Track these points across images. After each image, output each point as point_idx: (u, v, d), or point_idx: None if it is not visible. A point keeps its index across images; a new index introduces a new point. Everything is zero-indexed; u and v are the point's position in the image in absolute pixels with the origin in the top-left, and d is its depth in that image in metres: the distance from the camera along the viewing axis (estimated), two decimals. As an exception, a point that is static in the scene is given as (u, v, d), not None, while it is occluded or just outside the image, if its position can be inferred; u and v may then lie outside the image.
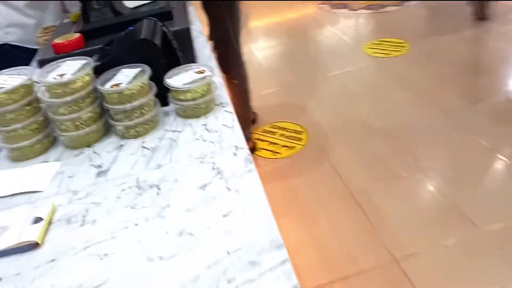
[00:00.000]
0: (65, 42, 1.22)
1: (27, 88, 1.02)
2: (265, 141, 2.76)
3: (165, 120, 1.09)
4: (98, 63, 1.04)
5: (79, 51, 1.22)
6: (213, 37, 2.24)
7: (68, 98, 0.99)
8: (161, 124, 1.07)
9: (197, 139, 0.98)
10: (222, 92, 1.12)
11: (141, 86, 0.99)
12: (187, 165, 0.90)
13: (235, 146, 0.91)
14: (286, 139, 2.73)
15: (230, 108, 1.06)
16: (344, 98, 3.10)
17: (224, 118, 1.03)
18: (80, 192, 0.89)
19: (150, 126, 1.04)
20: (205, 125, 1.02)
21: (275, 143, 2.71)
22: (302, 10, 5.00)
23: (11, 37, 1.76)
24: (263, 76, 3.57)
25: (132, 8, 1.35)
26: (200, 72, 1.05)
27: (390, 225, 1.99)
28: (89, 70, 1.01)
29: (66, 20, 1.51)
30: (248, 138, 2.60)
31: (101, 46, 1.17)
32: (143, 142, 1.02)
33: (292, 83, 3.42)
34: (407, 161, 2.38)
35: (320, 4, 5.02)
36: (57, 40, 1.23)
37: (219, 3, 2.13)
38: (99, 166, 0.96)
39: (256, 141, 2.73)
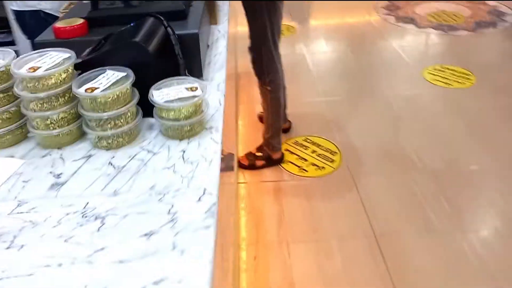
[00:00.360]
0: (66, 27, 1.14)
1: (3, 75, 0.95)
2: (295, 154, 2.61)
3: (146, 134, 0.98)
4: (80, 59, 0.95)
5: (79, 38, 1.14)
6: (250, 37, 2.11)
7: (41, 95, 0.90)
8: (139, 138, 0.97)
9: (168, 168, 0.86)
10: (217, 115, 0.99)
11: (117, 96, 0.88)
12: (143, 201, 0.78)
13: (204, 189, 0.79)
14: (317, 157, 2.57)
15: (218, 136, 0.93)
16: (390, 123, 2.86)
17: (207, 148, 0.90)
18: (26, 203, 0.81)
19: (124, 139, 0.94)
20: (183, 151, 0.90)
21: (304, 159, 2.56)
22: (365, 16, 4.73)
23: (44, 4, 1.85)
24: (309, 83, 3.40)
25: (148, -1, 1.25)
26: (191, 89, 0.92)
27: (410, 282, 1.79)
28: (68, 66, 0.92)
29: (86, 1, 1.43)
30: (276, 149, 2.47)
31: (100, 38, 1.08)
32: (113, 157, 0.92)
33: (338, 96, 3.23)
34: (445, 210, 2.14)
35: (386, 14, 4.71)
36: (59, 24, 1.15)
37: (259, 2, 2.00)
38: (58, 176, 0.88)
39: (285, 152, 2.59)
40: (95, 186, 0.84)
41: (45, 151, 0.96)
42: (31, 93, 0.91)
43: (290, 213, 2.22)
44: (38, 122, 0.94)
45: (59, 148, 0.97)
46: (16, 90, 0.93)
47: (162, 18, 1.05)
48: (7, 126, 0.97)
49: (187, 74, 1.08)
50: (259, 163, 2.51)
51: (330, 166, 2.50)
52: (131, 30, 1.01)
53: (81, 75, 0.95)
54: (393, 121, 2.90)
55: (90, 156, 0.93)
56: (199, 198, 0.77)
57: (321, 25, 4.63)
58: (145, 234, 0.71)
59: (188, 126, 0.92)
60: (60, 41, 1.13)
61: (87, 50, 1.04)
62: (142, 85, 0.97)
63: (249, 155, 2.53)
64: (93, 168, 0.89)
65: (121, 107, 0.91)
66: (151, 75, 0.98)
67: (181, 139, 0.94)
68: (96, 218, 0.75)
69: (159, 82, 0.96)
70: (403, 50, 3.93)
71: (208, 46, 1.33)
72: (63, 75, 0.92)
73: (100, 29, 1.16)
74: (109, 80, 0.92)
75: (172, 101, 0.91)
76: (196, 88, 0.94)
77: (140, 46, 0.94)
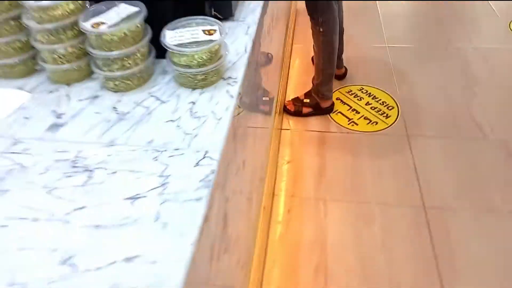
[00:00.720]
0: None
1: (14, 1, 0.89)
2: (347, 104, 2.45)
3: (158, 78, 0.90)
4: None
5: None
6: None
7: (47, 26, 0.84)
8: (150, 82, 0.89)
9: (172, 121, 0.78)
10: (239, 63, 0.89)
11: (125, 34, 0.79)
12: (138, 156, 0.72)
13: (205, 152, 0.70)
14: (371, 110, 2.39)
15: (235, 89, 0.83)
16: (463, 82, 2.58)
17: (220, 102, 0.81)
18: (20, 143, 0.78)
19: (133, 83, 0.87)
20: (193, 103, 0.82)
21: (356, 111, 2.40)
22: None
23: None
24: (375, 25, 3.12)
25: None
26: (208, 32, 0.82)
27: (457, 270, 1.64)
28: (77, -5, 0.84)
29: None
30: (325, 97, 2.33)
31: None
32: (119, 101, 0.85)
33: (407, 45, 2.94)
34: None
35: None
36: None
37: None
38: (59, 116, 0.83)
39: (336, 101, 2.43)
40: (92, 132, 0.78)
41: (54, 87, 0.92)
42: (38, 23, 0.85)
43: (332, 169, 2.11)
44: (46, 55, 0.89)
45: (68, 84, 0.92)
46: (24, 19, 0.87)
47: None
48: (17, 56, 0.93)
49: (213, 13, 0.96)
50: (306, 110, 2.38)
51: (384, 122, 2.32)
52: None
53: (92, 7, 0.87)
54: (467, 80, 2.60)
55: (96, 97, 0.87)
56: (198, 162, 0.69)
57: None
58: (130, 198, 0.65)
59: (201, 74, 0.82)
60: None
61: None
62: (159, 22, 0.87)
63: (296, 100, 2.40)
64: (95, 111, 0.84)
65: (130, 46, 0.83)
66: (169, 11, 0.88)
67: (193, 88, 0.85)
68: (84, 170, 0.70)
69: (175, 21, 0.86)
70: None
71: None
72: (71, 6, 0.85)
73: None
74: (120, 15, 0.83)
75: (185, 44, 0.81)
76: (215, 31, 0.82)
77: None
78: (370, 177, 2.04)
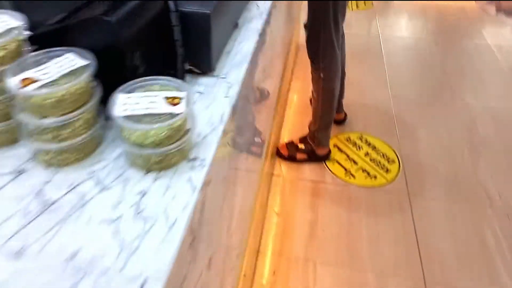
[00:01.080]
0: None
1: None
2: (344, 153, 2.26)
3: (106, 151, 0.70)
4: (40, 30, 0.67)
5: None
6: (308, 13, 1.75)
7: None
8: (94, 155, 0.69)
9: (110, 221, 0.58)
10: (210, 138, 0.69)
11: (62, 97, 0.60)
12: (52, 279, 0.51)
13: (144, 280, 0.50)
14: (370, 162, 2.20)
15: (201, 176, 0.63)
16: (469, 141, 2.39)
17: (178, 196, 0.61)
18: None
19: (71, 157, 0.67)
20: (143, 194, 0.62)
21: (354, 161, 2.20)
22: (459, 0, 4.06)
23: None
24: (378, 71, 2.96)
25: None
26: (172, 102, 0.62)
27: None
28: (9, 41, 0.65)
29: None
30: (322, 144, 2.14)
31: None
32: (48, 181, 0.65)
33: (410, 93, 2.78)
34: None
35: (485, 2, 3.98)
36: None
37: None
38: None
39: (333, 148, 2.25)
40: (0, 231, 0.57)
41: (-24, 151, 0.71)
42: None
43: (325, 226, 1.91)
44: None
45: (-6, 148, 0.71)
46: None
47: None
48: None
49: (187, 67, 0.77)
50: (300, 156, 2.19)
51: (383, 176, 2.13)
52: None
53: (30, 55, 0.68)
54: (474, 139, 2.41)
55: (21, 172, 0.67)
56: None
57: (404, 3, 4.05)
58: None
59: (156, 156, 0.62)
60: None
61: (58, 17, 0.76)
62: (114, 77, 0.68)
63: (290, 145, 2.21)
64: (15, 194, 0.63)
65: (69, 112, 0.63)
66: (127, 68, 0.69)
67: (147, 171, 0.65)
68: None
69: (132, 82, 0.67)
70: (499, 50, 3.31)
71: (236, 25, 1.00)
72: (0, 53, 0.65)
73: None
74: (61, 70, 0.64)
75: (138, 117, 0.61)
76: (180, 101, 0.63)
77: (106, 24, 0.64)
78: (367, 240, 1.84)
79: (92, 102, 0.66)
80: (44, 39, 0.70)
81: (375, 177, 2.11)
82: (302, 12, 1.86)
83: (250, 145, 1.47)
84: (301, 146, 2.19)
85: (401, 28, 3.69)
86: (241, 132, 1.07)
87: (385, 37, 3.43)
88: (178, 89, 0.68)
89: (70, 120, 0.64)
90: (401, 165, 2.18)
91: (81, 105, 0.65)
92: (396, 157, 2.22)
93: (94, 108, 0.67)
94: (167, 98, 0.65)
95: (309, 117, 2.16)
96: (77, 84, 0.63)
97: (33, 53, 0.69)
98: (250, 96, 1.03)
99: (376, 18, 3.72)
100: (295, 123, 2.44)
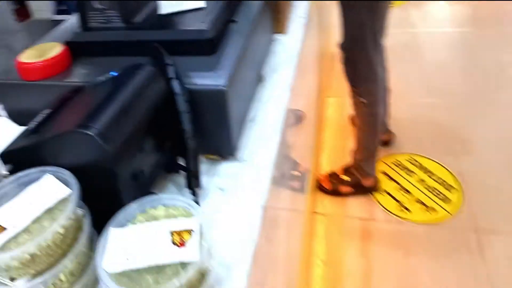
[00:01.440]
0: (33, 64, 0.70)
1: None
2: (394, 180, 2.01)
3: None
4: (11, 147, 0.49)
5: (52, 82, 0.69)
6: (342, 34, 1.54)
7: None
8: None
9: None
10: (236, 275, 0.48)
11: (33, 255, 0.41)
12: None
13: None
14: (426, 191, 1.94)
15: None
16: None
17: None
18: None
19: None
20: None
21: (407, 190, 1.95)
22: None
23: None
24: (421, 75, 2.67)
25: (163, 14, 0.74)
26: (179, 239, 0.42)
27: None
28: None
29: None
30: (368, 174, 1.90)
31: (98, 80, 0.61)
32: None
33: (462, 97, 2.47)
34: None
35: None
36: (25, 56, 0.72)
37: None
38: None
39: (381, 175, 2.00)
40: None
41: None
42: None
43: (380, 273, 1.67)
44: None
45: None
46: None
47: (170, 63, 0.54)
48: None
49: (199, 165, 0.57)
50: (345, 189, 1.96)
51: (444, 209, 1.86)
52: (100, 90, 0.52)
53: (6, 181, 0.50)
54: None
55: None
56: None
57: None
58: None
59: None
60: (26, 84, 0.71)
61: (35, 120, 0.58)
62: (107, 204, 0.49)
63: (333, 176, 1.99)
64: None
65: (46, 267, 0.44)
66: (120, 190, 0.49)
67: None
68: None
69: (128, 206, 0.46)
70: None
71: (260, 78, 0.79)
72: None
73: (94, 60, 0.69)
74: (35, 210, 0.45)
75: (135, 274, 0.41)
76: (189, 237, 0.42)
77: (86, 139, 0.44)
78: (429, 285, 1.59)
79: (79, 245, 0.46)
80: (16, 157, 0.51)
81: (434, 209, 1.86)
82: (334, 14, 1.61)
83: (289, 180, 1.25)
84: (345, 177, 1.96)
85: (444, 22, 3.37)
86: (278, 167, 0.85)
87: (424, 33, 3.13)
88: (187, 212, 0.47)
89: (49, 278, 0.44)
90: (464, 192, 1.90)
91: (61, 254, 0.45)
92: (456, 183, 1.95)
93: (81, 252, 0.48)
94: (172, 233, 0.44)
95: (350, 139, 1.94)
96: (54, 232, 0.43)
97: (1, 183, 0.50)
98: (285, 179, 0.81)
99: (413, 13, 3.42)
100: (335, 147, 2.21)
